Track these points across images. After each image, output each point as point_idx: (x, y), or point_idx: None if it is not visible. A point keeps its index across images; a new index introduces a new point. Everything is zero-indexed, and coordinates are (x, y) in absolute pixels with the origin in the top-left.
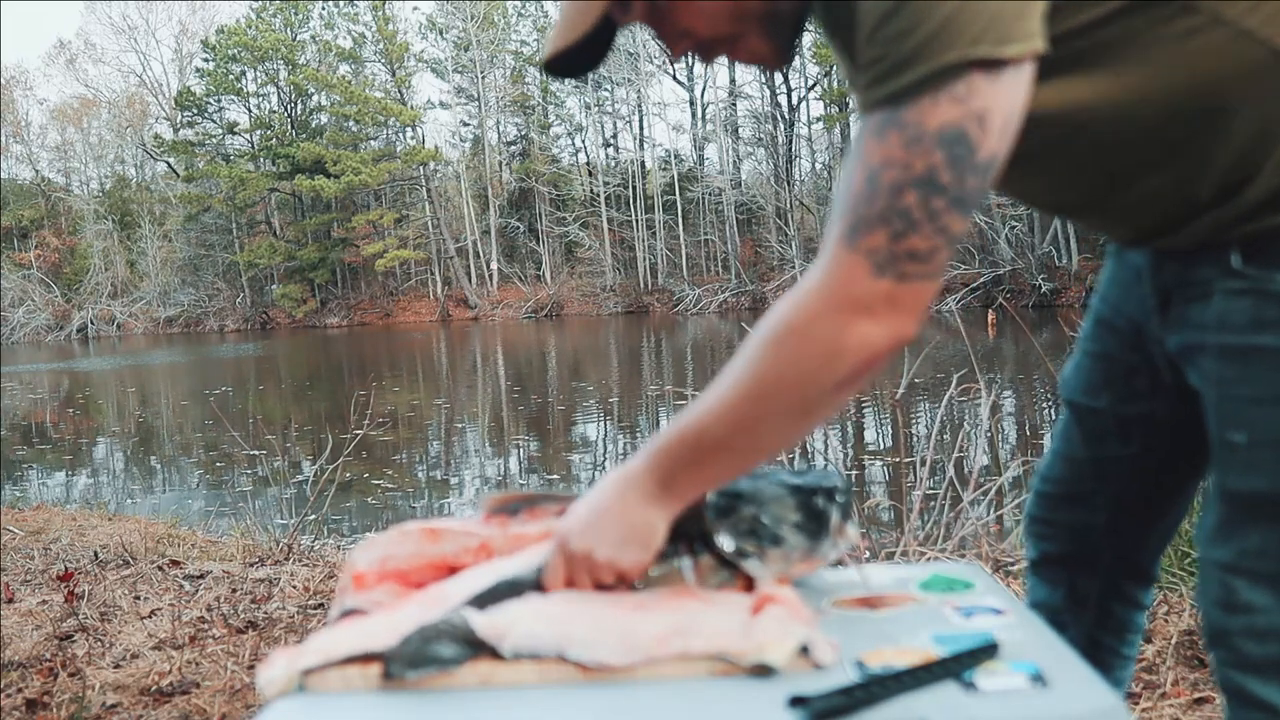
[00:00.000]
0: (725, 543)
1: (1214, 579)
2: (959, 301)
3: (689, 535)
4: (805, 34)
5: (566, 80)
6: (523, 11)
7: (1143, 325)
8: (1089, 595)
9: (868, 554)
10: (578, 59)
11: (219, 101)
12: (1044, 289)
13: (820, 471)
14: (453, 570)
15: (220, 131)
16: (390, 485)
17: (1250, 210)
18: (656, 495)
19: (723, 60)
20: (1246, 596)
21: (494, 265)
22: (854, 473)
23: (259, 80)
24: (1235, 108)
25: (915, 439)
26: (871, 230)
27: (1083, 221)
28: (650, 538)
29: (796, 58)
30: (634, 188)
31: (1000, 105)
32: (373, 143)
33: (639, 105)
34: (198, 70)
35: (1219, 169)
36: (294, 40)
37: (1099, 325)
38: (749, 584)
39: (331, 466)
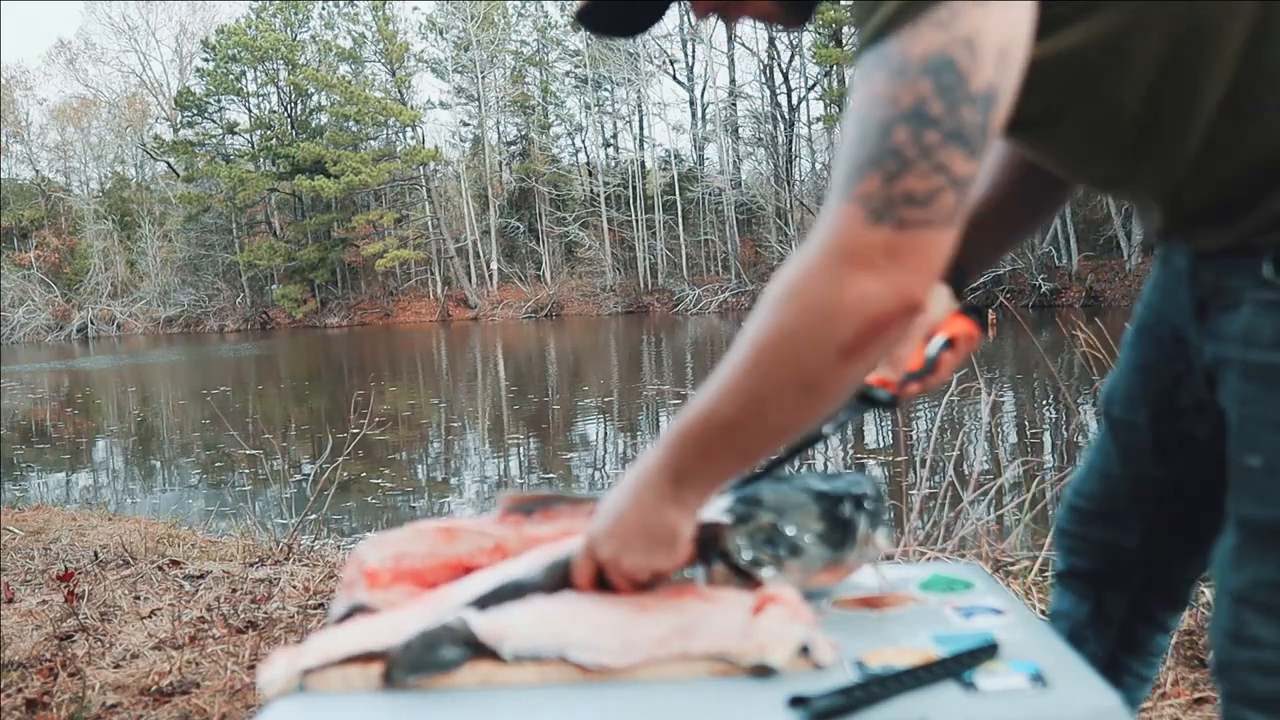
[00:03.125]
0: (741, 552)
1: (1225, 608)
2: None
3: (703, 543)
4: (806, 33)
5: (605, 41)
6: (523, 11)
7: (1184, 333)
8: (1115, 614)
9: None
10: (628, 17)
11: (219, 101)
12: (1044, 289)
13: (851, 476)
14: (468, 570)
15: (220, 131)
16: (390, 485)
17: None
18: (671, 493)
19: (723, 61)
20: (1255, 630)
21: (494, 265)
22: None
23: (259, 80)
24: (1241, 75)
25: (915, 439)
26: (865, 174)
27: (1126, 196)
28: (674, 539)
29: (796, 58)
30: (634, 188)
31: (991, 30)
32: (373, 143)
33: (639, 105)
34: (198, 70)
35: (1240, 145)
36: (294, 40)
37: (1142, 334)
38: None
39: (331, 466)
